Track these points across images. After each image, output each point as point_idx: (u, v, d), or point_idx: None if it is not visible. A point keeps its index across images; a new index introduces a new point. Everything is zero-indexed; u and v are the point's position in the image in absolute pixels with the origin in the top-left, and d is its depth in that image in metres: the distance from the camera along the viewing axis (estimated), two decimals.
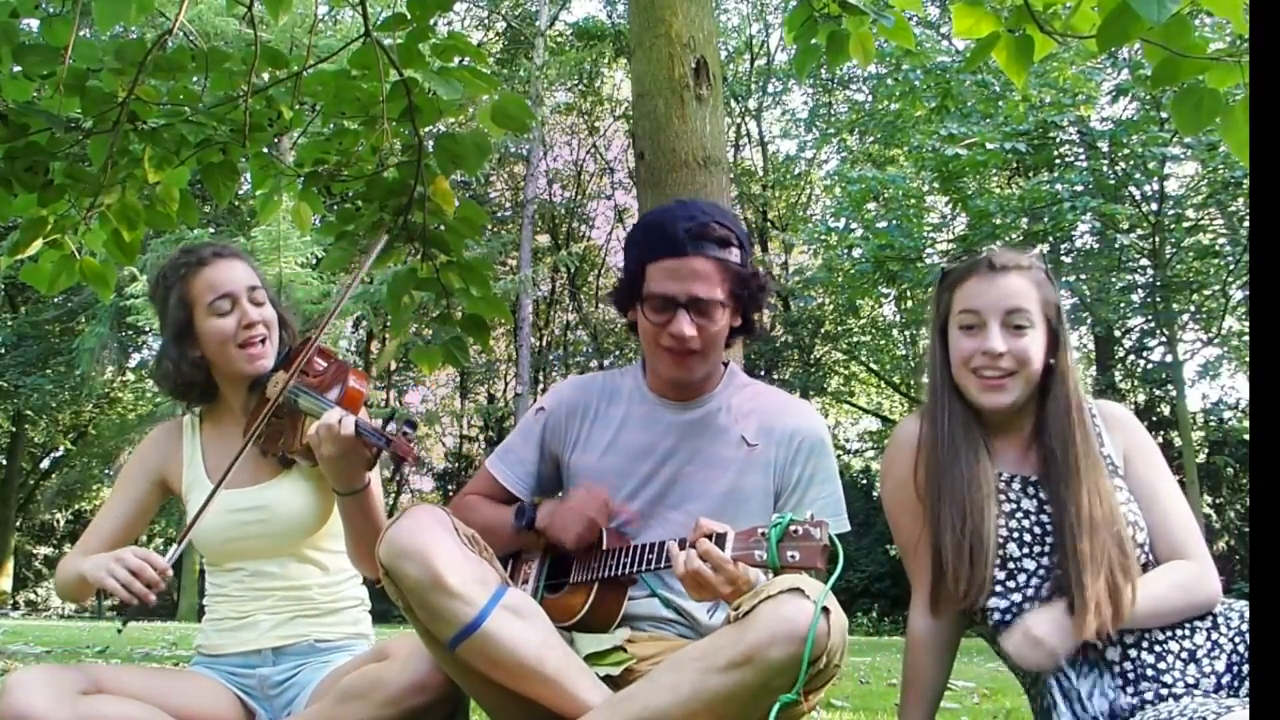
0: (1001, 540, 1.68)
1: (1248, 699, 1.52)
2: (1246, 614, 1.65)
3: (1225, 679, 1.60)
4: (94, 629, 9.79)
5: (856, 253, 15.20)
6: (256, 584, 2.01)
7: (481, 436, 24.67)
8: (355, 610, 2.09)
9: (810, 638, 1.42)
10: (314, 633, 2.00)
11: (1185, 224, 14.55)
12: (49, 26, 1.90)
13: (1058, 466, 1.69)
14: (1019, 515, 1.70)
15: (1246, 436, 16.74)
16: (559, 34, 22.13)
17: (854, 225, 14.88)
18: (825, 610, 1.45)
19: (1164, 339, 15.66)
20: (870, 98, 18.64)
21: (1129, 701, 1.60)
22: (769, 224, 23.34)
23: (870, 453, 22.94)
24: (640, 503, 1.86)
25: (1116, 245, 14.78)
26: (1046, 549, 1.67)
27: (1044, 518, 1.69)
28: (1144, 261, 15.22)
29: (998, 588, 1.68)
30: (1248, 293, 13.54)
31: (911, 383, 19.48)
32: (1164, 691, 1.60)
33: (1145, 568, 1.68)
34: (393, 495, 21.76)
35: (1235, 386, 18.88)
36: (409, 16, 1.92)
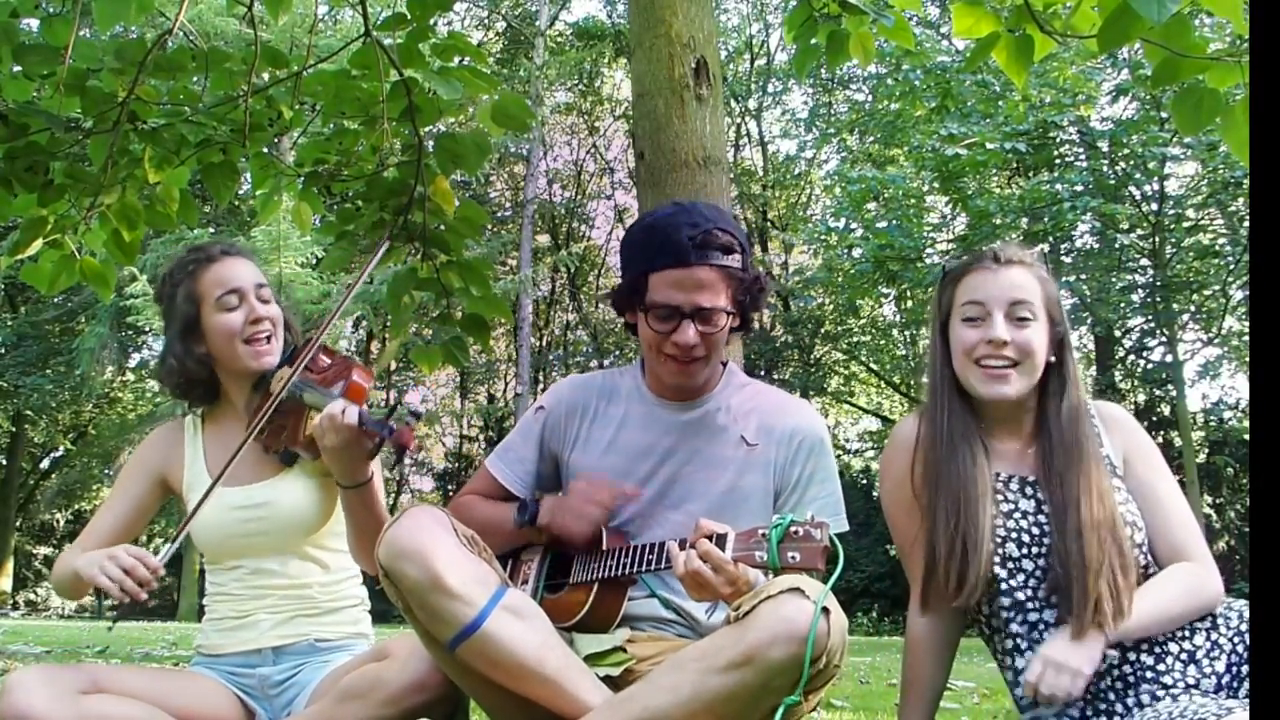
0: (1000, 540, 1.67)
1: (1248, 699, 1.52)
2: (1246, 614, 1.64)
3: (1225, 679, 1.60)
4: (94, 629, 9.79)
5: (856, 253, 15.20)
6: (256, 582, 2.01)
7: (481, 436, 24.67)
8: (355, 610, 2.09)
9: (811, 638, 1.42)
10: (314, 632, 2.00)
11: (1185, 224, 14.55)
12: (49, 26, 1.90)
13: (1057, 466, 1.69)
14: (1017, 515, 1.70)
15: (1246, 436, 16.74)
16: (559, 34, 22.13)
17: (854, 225, 14.88)
18: (825, 610, 1.45)
19: (1164, 339, 15.67)
20: (870, 98, 18.65)
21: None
22: (769, 224, 23.34)
23: (870, 453, 22.94)
24: (639, 502, 1.86)
25: (1116, 245, 14.79)
26: (1044, 549, 1.67)
27: (1042, 518, 1.69)
28: (1144, 261, 15.22)
29: (1002, 586, 1.68)
30: (1248, 293, 13.54)
31: (911, 383, 19.48)
32: (1161, 693, 1.60)
33: (1145, 569, 1.68)
34: (393, 495, 21.76)
35: (1235, 386, 18.90)
36: (409, 16, 1.92)
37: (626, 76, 20.24)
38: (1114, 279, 15.42)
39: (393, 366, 21.62)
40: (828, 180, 19.19)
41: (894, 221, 14.12)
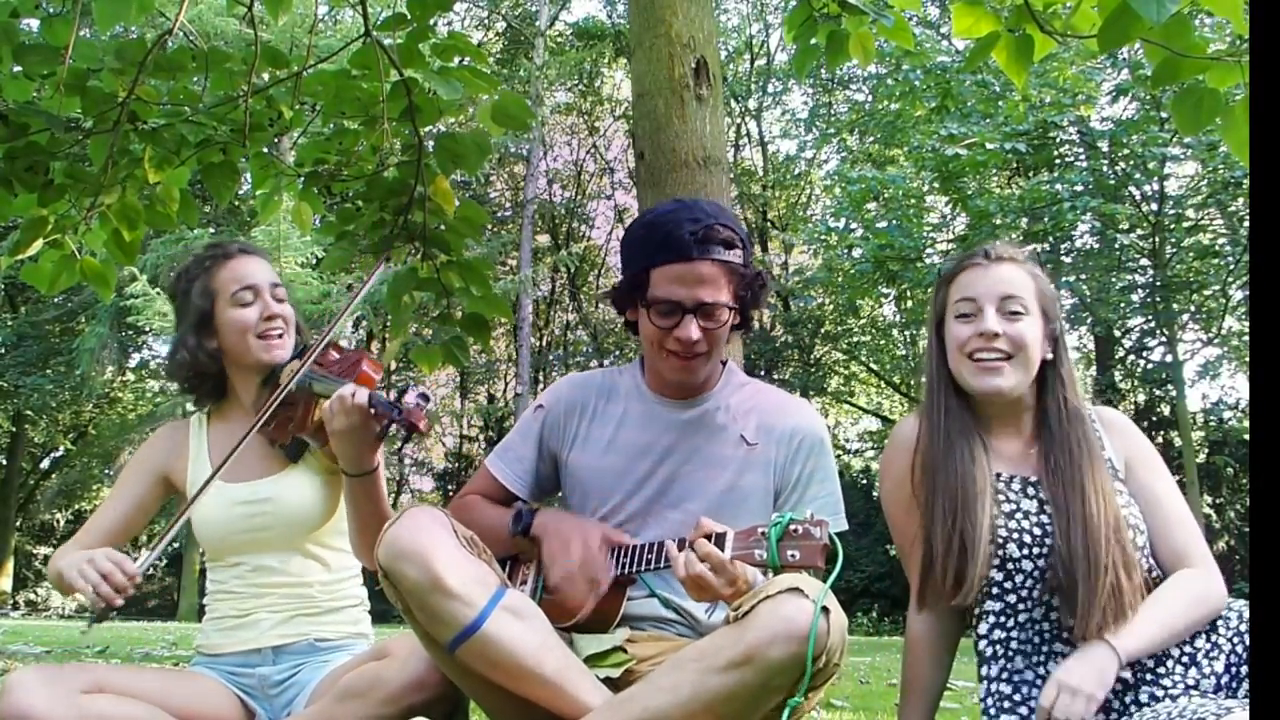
0: (1001, 540, 1.67)
1: (1247, 699, 1.52)
2: (1246, 614, 1.64)
3: (1224, 679, 1.60)
4: (94, 629, 9.78)
5: (856, 253, 15.20)
6: (257, 580, 2.01)
7: (481, 436, 24.67)
8: (355, 610, 2.09)
9: (812, 637, 1.42)
10: (314, 631, 2.00)
11: (1185, 224, 14.55)
12: (49, 26, 1.90)
13: (1058, 466, 1.69)
14: (1018, 516, 1.70)
15: (1246, 436, 16.74)
16: (559, 34, 22.13)
17: (854, 225, 14.88)
18: (825, 609, 1.44)
19: (1164, 339, 15.67)
20: (870, 98, 18.64)
21: None
22: (769, 224, 23.34)
23: (870, 453, 22.94)
24: (639, 501, 1.86)
25: (1116, 245, 14.79)
26: (1045, 550, 1.66)
27: (1044, 518, 1.69)
28: (1144, 261, 15.23)
29: (993, 589, 1.68)
30: (1248, 293, 13.54)
31: (911, 383, 19.47)
32: (1161, 693, 1.60)
33: (1149, 573, 1.67)
34: (393, 495, 21.76)
35: (1235, 386, 18.90)
36: (409, 16, 1.92)
37: (626, 76, 20.24)
38: (1114, 279, 15.43)
39: (393, 366, 21.62)
40: (828, 180, 19.19)
41: (894, 221, 14.12)
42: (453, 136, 2.12)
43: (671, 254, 1.76)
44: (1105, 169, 14.07)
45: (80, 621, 14.99)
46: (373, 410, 1.79)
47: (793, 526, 1.49)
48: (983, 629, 1.69)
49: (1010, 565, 1.67)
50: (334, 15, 15.47)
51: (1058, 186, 13.35)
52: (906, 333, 19.30)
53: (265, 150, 2.28)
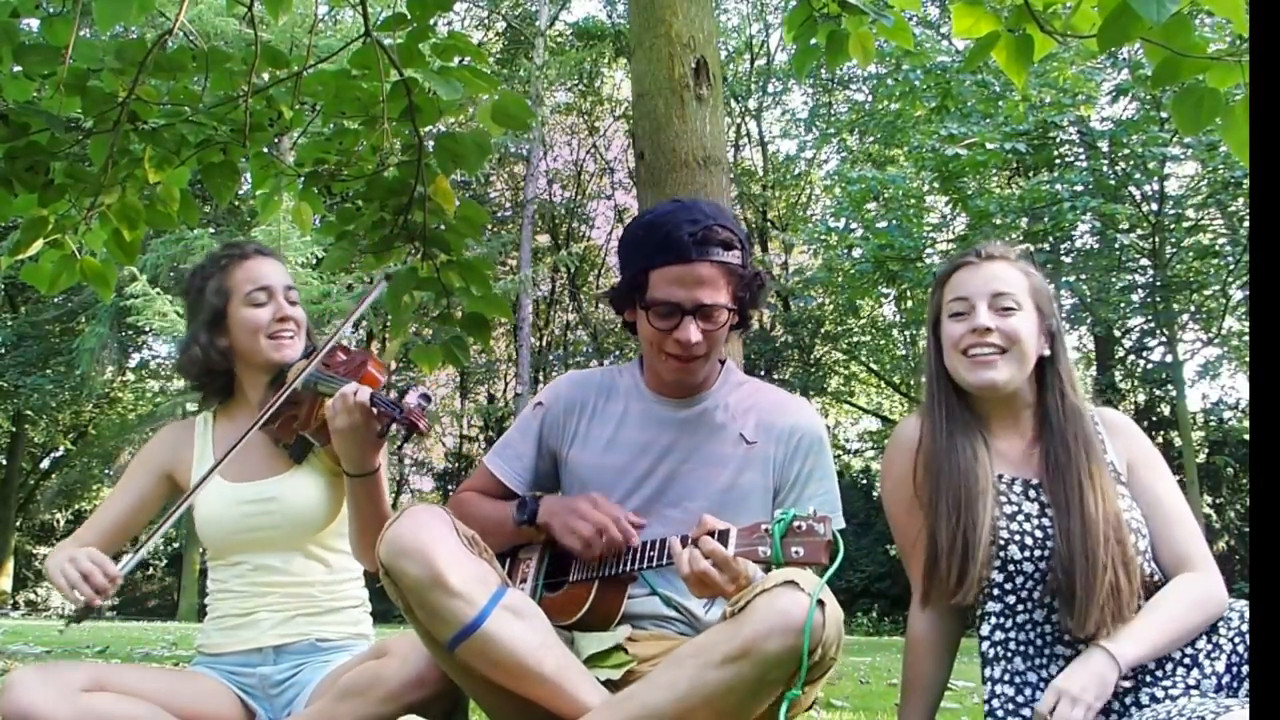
0: (1003, 542, 1.67)
1: (1247, 699, 1.52)
2: (1246, 614, 1.64)
3: (1225, 679, 1.60)
4: (94, 629, 9.80)
5: (856, 253, 15.21)
6: (259, 579, 2.01)
7: (481, 436, 24.67)
8: (356, 610, 2.09)
9: (808, 629, 1.42)
10: (315, 631, 2.00)
11: (1185, 224, 14.56)
12: (49, 26, 1.91)
13: (1057, 463, 1.69)
14: (1020, 518, 1.70)
15: (1246, 436, 16.74)
16: (559, 34, 22.13)
17: (854, 225, 14.88)
18: (820, 603, 1.45)
19: (1164, 339, 15.68)
20: (870, 98, 18.65)
21: None
22: (769, 224, 23.34)
23: (870, 453, 22.94)
24: (638, 500, 1.86)
25: (1116, 245, 14.79)
26: (1047, 552, 1.66)
27: (1045, 521, 1.68)
28: (1144, 261, 15.23)
29: (994, 590, 1.68)
30: (1248, 293, 13.54)
31: (911, 383, 19.48)
32: (1162, 694, 1.60)
33: (1150, 576, 1.67)
34: (393, 496, 21.73)
35: (1235, 386, 18.90)
36: (409, 16, 1.93)
37: (626, 76, 20.25)
38: (1114, 279, 15.43)
39: (393, 366, 21.64)
40: (828, 180, 19.20)
41: (894, 221, 14.13)
42: (453, 136, 2.12)
43: (670, 256, 1.76)
44: (1105, 169, 14.08)
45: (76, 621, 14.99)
46: (374, 409, 1.79)
47: (797, 523, 1.49)
48: (985, 630, 1.69)
49: (1011, 566, 1.67)
50: (334, 15, 15.48)
51: (1058, 186, 13.36)
52: (906, 333, 19.30)
53: (265, 150, 2.28)
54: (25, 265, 2.28)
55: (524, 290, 18.66)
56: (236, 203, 15.20)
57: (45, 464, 24.13)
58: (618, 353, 22.79)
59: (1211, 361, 16.90)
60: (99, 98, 1.98)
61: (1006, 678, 1.66)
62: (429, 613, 1.57)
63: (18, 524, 22.49)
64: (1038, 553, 1.66)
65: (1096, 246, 15.89)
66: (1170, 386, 15.84)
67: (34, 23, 1.99)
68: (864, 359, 21.20)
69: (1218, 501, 18.92)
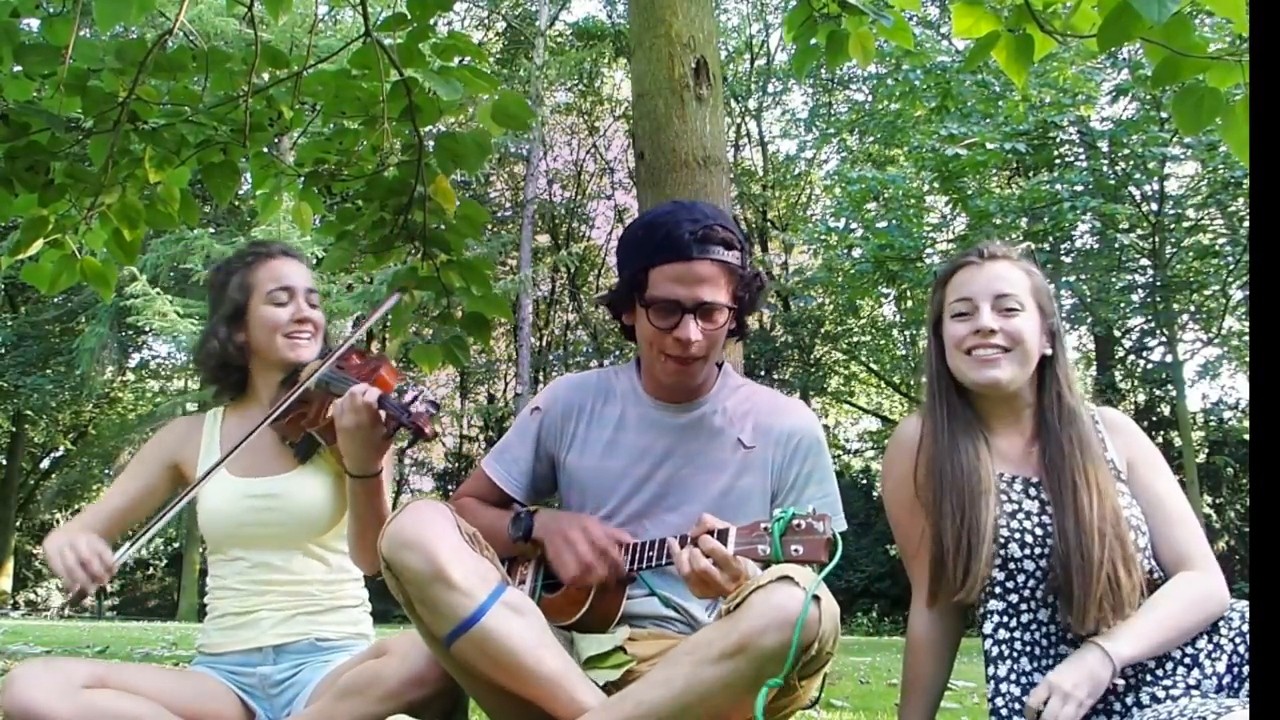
0: (1004, 541, 1.67)
1: (1248, 699, 1.52)
2: (1247, 614, 1.64)
3: (1226, 679, 1.60)
4: (94, 629, 9.80)
5: (856, 253, 15.21)
6: (258, 576, 2.01)
7: (481, 436, 24.68)
8: (356, 610, 2.09)
9: (800, 621, 1.42)
10: (315, 631, 2.00)
11: (1185, 224, 14.56)
12: (49, 26, 1.91)
13: (1054, 461, 1.69)
14: (1020, 516, 1.70)
15: (1246, 436, 16.74)
16: (559, 34, 22.13)
17: (854, 225, 14.89)
18: (816, 598, 1.44)
19: (1164, 339, 15.68)
20: (870, 98, 18.65)
21: None
22: (769, 224, 23.34)
23: (870, 453, 22.95)
24: (637, 504, 1.86)
25: (1116, 245, 14.80)
26: (1047, 551, 1.66)
27: (1045, 519, 1.69)
28: (1144, 261, 15.24)
29: (996, 589, 1.68)
30: (1248, 293, 13.54)
31: (911, 383, 19.48)
32: (1162, 694, 1.60)
33: (1150, 575, 1.67)
34: (393, 496, 21.75)
35: (1235, 386, 18.91)
36: (409, 16, 1.93)
37: (626, 76, 20.25)
38: (1114, 279, 15.44)
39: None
40: (828, 180, 19.20)
41: (894, 221, 14.13)
42: (453, 136, 2.12)
43: (671, 253, 1.76)
44: (1105, 169, 14.08)
45: (81, 621, 15.01)
46: (381, 411, 1.80)
47: (796, 521, 1.49)
48: (987, 629, 1.69)
49: (1012, 565, 1.67)
50: (334, 15, 15.48)
51: (1058, 186, 13.36)
52: (906, 333, 19.31)
53: (265, 150, 2.28)
54: (25, 265, 2.28)
55: (524, 290, 18.65)
56: (236, 203, 15.19)
57: (45, 464, 24.14)
58: (618, 353, 22.79)
59: (1211, 361, 16.92)
60: (99, 98, 1.98)
61: (1012, 677, 1.66)
62: (429, 605, 1.57)
63: (18, 524, 22.49)
64: (1038, 550, 1.67)
65: (1096, 246, 15.90)
66: (1170, 386, 15.85)
67: (34, 23, 1.99)
68: (864, 359, 21.20)
69: (1218, 501, 18.92)
